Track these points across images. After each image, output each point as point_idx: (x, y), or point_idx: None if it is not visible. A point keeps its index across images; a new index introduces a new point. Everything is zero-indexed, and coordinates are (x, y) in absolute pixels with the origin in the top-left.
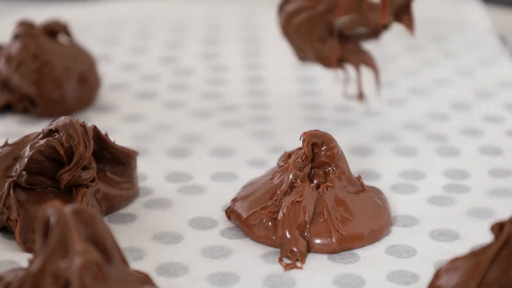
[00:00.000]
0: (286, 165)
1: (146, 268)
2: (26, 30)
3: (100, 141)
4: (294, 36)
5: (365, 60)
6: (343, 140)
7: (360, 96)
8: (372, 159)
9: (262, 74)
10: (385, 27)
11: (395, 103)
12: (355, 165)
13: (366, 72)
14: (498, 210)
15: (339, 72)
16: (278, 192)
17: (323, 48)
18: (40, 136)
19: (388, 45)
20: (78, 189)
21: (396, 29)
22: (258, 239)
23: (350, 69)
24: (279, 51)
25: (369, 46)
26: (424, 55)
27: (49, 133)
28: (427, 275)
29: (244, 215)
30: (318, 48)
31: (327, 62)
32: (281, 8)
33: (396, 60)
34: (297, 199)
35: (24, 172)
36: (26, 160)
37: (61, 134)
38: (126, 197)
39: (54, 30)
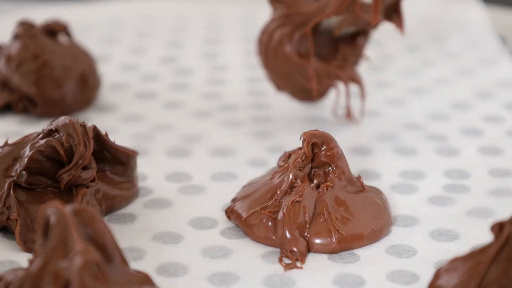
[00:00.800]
0: (286, 165)
1: (146, 268)
2: (26, 30)
3: (100, 141)
4: (275, 64)
5: (353, 77)
6: (343, 140)
7: (349, 115)
8: (372, 159)
9: (262, 74)
10: (375, 26)
11: (395, 103)
12: (355, 165)
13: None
14: (498, 210)
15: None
16: (278, 192)
17: (304, 64)
18: (40, 136)
19: (388, 45)
20: (78, 189)
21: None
22: (258, 239)
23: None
24: None
25: (369, 45)
26: (423, 55)
27: (49, 133)
28: (427, 275)
29: (244, 215)
30: (301, 66)
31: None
32: (259, 44)
33: (395, 59)
34: (297, 199)
35: (24, 172)
36: (26, 160)
37: (61, 134)
38: (126, 197)
39: (54, 30)
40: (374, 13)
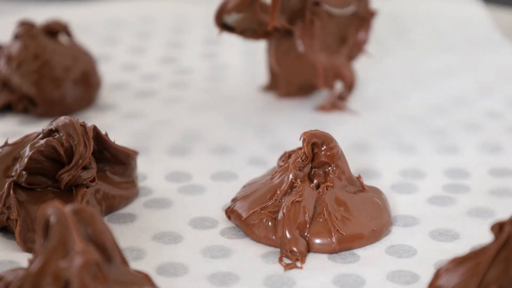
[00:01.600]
0: (286, 165)
1: (146, 268)
2: (26, 30)
3: (100, 141)
4: (289, 62)
5: (352, 78)
6: (342, 135)
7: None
8: (372, 157)
9: (262, 74)
10: (276, 30)
11: (395, 96)
12: (354, 164)
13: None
14: (498, 210)
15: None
16: (278, 192)
17: (316, 63)
18: (40, 136)
19: (388, 40)
20: (78, 189)
21: (396, 24)
22: (258, 239)
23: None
24: None
25: (370, 43)
26: (424, 50)
27: (49, 133)
28: (427, 275)
29: (244, 215)
30: (312, 65)
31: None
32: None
33: (395, 54)
34: (297, 199)
35: (24, 172)
36: (26, 160)
37: (61, 134)
38: (126, 197)
39: (54, 30)
40: (271, 14)
